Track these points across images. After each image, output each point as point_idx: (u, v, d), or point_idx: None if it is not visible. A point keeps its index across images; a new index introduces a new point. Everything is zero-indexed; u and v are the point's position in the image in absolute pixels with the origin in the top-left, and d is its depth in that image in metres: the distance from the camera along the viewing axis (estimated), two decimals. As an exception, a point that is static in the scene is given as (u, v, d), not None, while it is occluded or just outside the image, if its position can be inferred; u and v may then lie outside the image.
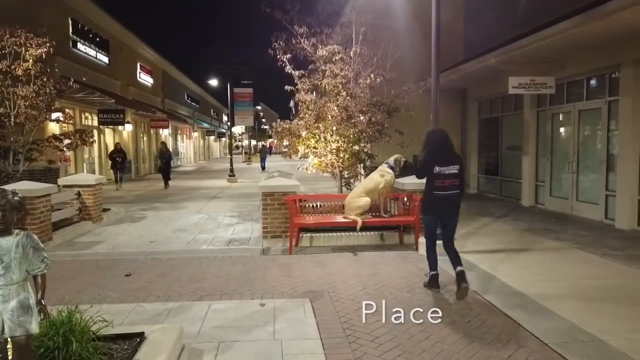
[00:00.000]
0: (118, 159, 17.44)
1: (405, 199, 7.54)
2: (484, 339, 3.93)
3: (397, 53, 8.96)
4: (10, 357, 2.62)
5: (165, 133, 30.01)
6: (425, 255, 5.30)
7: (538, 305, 4.66)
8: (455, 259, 5.00)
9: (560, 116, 10.87)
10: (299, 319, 4.39)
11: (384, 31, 9.68)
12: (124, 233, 8.88)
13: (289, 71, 8.88)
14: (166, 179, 17.98)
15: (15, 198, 2.55)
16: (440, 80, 7.30)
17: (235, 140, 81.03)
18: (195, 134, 43.72)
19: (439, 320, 4.32)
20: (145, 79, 26.11)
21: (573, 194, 10.19)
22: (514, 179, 12.64)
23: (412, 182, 7.50)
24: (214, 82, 31.17)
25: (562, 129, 10.91)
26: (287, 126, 9.12)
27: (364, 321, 4.30)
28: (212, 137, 53.50)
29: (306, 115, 8.98)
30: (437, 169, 4.94)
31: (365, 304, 4.42)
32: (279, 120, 9.58)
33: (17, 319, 2.47)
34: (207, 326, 4.23)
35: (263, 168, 28.39)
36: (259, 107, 76.18)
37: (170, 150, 29.71)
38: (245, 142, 64.17)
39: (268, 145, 46.40)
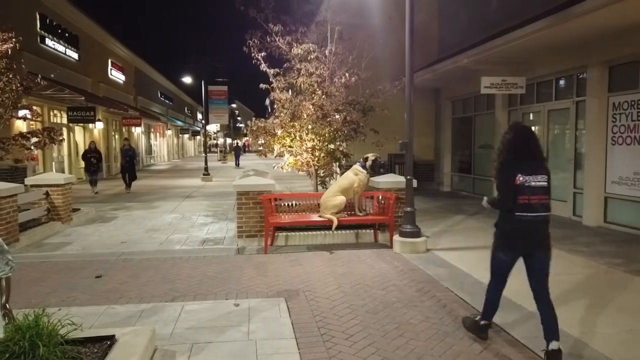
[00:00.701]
0: (93, 160, 15.25)
1: (380, 197, 7.59)
2: (456, 335, 3.99)
3: (372, 52, 9.01)
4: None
5: (137, 131, 29.47)
6: (485, 296, 3.87)
7: (509, 301, 4.74)
8: (551, 326, 3.48)
9: (531, 115, 11.12)
10: (274, 319, 4.37)
11: (360, 30, 9.74)
12: (94, 234, 8.68)
13: (264, 69, 8.83)
14: (131, 179, 16.04)
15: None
16: (414, 79, 7.37)
17: (210, 139, 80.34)
18: (169, 132, 43.08)
19: (413, 317, 4.37)
20: (117, 76, 25.57)
21: (543, 192, 10.43)
22: (487, 177, 12.86)
23: (387, 180, 7.56)
24: (188, 80, 30.78)
25: (532, 128, 11.13)
26: (263, 125, 9.07)
27: (338, 320, 4.32)
28: (186, 136, 52.84)
29: (281, 114, 8.95)
30: (520, 178, 3.43)
31: (341, 303, 4.44)
32: (254, 118, 9.51)
33: (-21, 324, 2.38)
34: (181, 327, 4.17)
35: (237, 165, 30.84)
36: (234, 105, 75.58)
37: (140, 147, 29.35)
38: (220, 141, 63.60)
39: (243, 144, 46.35)
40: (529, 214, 3.44)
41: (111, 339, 3.43)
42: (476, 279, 5.50)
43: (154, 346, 3.68)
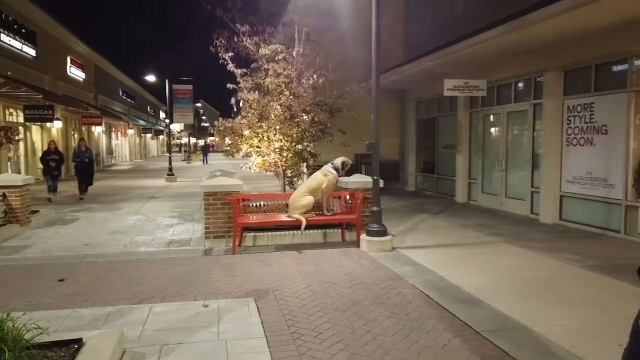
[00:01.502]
0: (52, 164, 13.08)
1: (348, 197, 7.71)
2: (422, 329, 4.13)
3: (340, 54, 9.11)
4: None
5: (98, 130, 28.64)
6: None
7: (471, 297, 4.95)
8: None
9: (491, 117, 11.51)
10: (244, 319, 4.40)
11: (327, 32, 9.83)
12: (55, 236, 8.43)
13: (232, 70, 8.79)
14: (87, 184, 13.96)
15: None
16: (380, 81, 7.52)
17: (174, 138, 78.86)
18: (131, 132, 42.03)
19: (380, 314, 4.49)
20: (77, 74, 24.77)
21: (502, 191, 10.85)
22: (449, 177, 13.23)
23: (355, 180, 7.68)
24: (152, 79, 30.15)
25: (492, 130, 11.56)
26: (230, 125, 9.03)
27: (308, 318, 4.39)
28: (149, 135, 51.67)
29: (249, 114, 8.94)
30: None
31: (310, 302, 4.51)
32: (221, 119, 9.45)
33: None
34: (149, 329, 4.13)
35: (205, 162, 35.19)
36: (199, 105, 74.49)
37: (100, 147, 28.66)
38: (184, 140, 62.57)
39: (208, 144, 47.03)
40: None
41: (78, 342, 3.38)
42: (440, 276, 5.68)
43: (122, 349, 3.65)
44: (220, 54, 8.80)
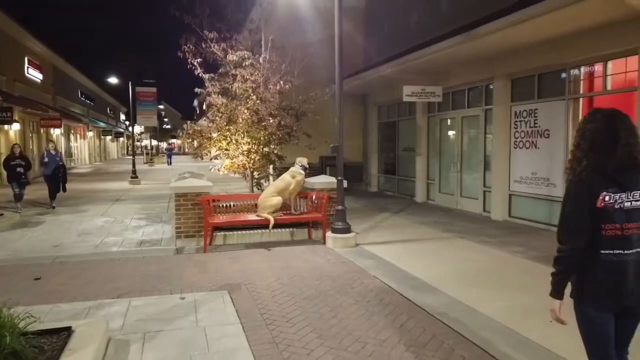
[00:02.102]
0: (20, 170, 11.47)
1: (314, 197, 8.14)
2: (381, 313, 4.60)
3: (305, 60, 9.53)
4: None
5: (57, 132, 27.96)
6: None
7: (427, 285, 5.48)
8: None
9: (447, 121, 12.22)
10: (219, 309, 4.75)
11: (292, 38, 10.23)
12: (22, 238, 8.45)
13: (200, 75, 9.06)
14: (57, 191, 12.55)
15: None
16: (343, 86, 7.99)
17: (134, 141, 77.21)
18: (91, 134, 41.07)
19: (345, 302, 4.94)
20: (35, 75, 24.17)
21: (458, 191, 11.56)
22: (409, 178, 13.89)
23: (320, 181, 8.13)
24: (112, 80, 29.68)
25: (448, 133, 12.27)
26: (199, 128, 9.30)
27: (279, 307, 4.78)
28: (108, 137, 50.52)
29: (217, 118, 9.25)
30: (606, 197, 2.26)
31: (280, 293, 4.90)
32: (189, 122, 9.71)
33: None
34: (130, 320, 4.43)
35: (169, 164, 36.53)
36: (161, 107, 73.27)
37: (59, 150, 27.88)
38: (145, 142, 61.46)
39: (171, 146, 46.93)
40: (624, 252, 2.26)
41: (68, 330, 3.66)
42: (399, 268, 6.19)
43: (108, 337, 3.93)
44: (189, 60, 9.06)
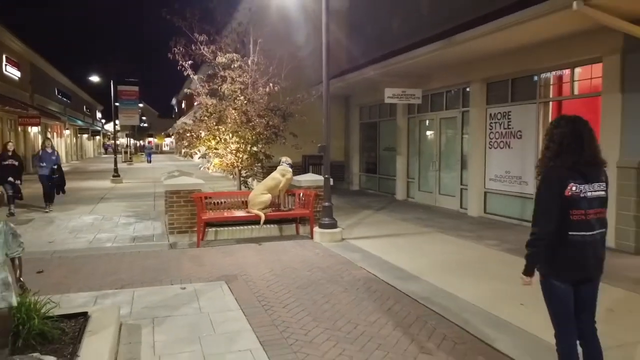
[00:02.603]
0: (11, 170, 10.62)
1: (302, 194, 8.53)
2: (370, 299, 5.03)
3: (292, 63, 9.91)
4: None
5: (34, 131, 27.65)
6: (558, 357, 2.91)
7: (410, 274, 5.93)
8: None
9: (427, 122, 12.76)
10: (219, 297, 5.10)
11: (279, 41, 10.60)
12: (14, 235, 8.59)
13: (191, 77, 9.35)
14: (54, 192, 11.86)
15: (-3, 192, 2.95)
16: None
17: (109, 139, 76.10)
18: (67, 132, 40.50)
19: (335, 289, 5.35)
20: (12, 72, 23.91)
21: (436, 189, 12.10)
22: (390, 177, 14.40)
23: (307, 179, 8.52)
24: (91, 78, 29.46)
25: (427, 134, 12.80)
26: (190, 128, 9.58)
27: (274, 295, 5.16)
28: (85, 136, 49.84)
29: (205, 117, 9.56)
30: (573, 187, 2.73)
31: (274, 282, 5.27)
32: (178, 122, 9.99)
33: (1, 294, 2.90)
34: (137, 307, 4.75)
35: (149, 162, 38.23)
36: (140, 105, 72.53)
37: (38, 149, 27.69)
38: (121, 141, 60.75)
39: (149, 144, 48.47)
40: (586, 234, 2.75)
41: (84, 315, 3.97)
42: (384, 260, 6.64)
43: (120, 322, 4.25)
44: (179, 61, 9.34)
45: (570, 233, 2.75)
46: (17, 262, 3.13)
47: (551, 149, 2.84)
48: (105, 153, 61.72)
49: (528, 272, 2.85)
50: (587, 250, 2.77)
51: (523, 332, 4.09)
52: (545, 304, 2.91)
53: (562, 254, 2.78)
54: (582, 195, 2.74)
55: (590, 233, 2.77)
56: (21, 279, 3.09)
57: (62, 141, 38.31)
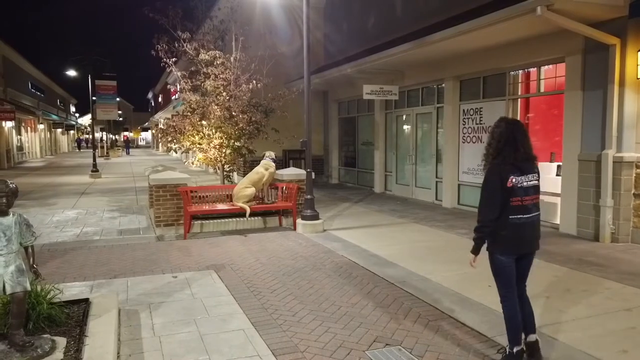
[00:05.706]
0: None
1: (284, 187, 8.87)
2: (351, 284, 5.43)
3: (273, 60, 10.20)
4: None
5: (8, 125, 27.17)
6: (505, 319, 3.49)
7: (387, 261, 6.36)
8: (530, 321, 3.52)
9: (403, 117, 13.22)
10: (210, 284, 5.43)
11: (260, 39, 10.87)
12: None
13: (175, 73, 9.57)
14: None
15: (13, 185, 3.24)
16: (305, 83, 8.72)
17: (83, 134, 74.72)
18: (41, 127, 39.80)
19: (319, 276, 5.73)
20: (-15, 65, 23.45)
21: (413, 181, 12.60)
22: (368, 170, 14.85)
23: (290, 173, 8.87)
24: (66, 72, 29.04)
25: (404, 128, 13.27)
26: (174, 124, 9.80)
27: (262, 281, 5.52)
28: (59, 130, 48.97)
29: (188, 113, 9.79)
30: (513, 179, 3.27)
31: (261, 270, 5.62)
32: (166, 117, 10.20)
33: (16, 279, 3.18)
34: (133, 294, 5.04)
35: (128, 153, 44.09)
36: (117, 99, 71.37)
37: (11, 144, 27.26)
38: (97, 135, 59.84)
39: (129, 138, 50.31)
40: (524, 216, 3.31)
41: (86, 301, 4.26)
42: (363, 248, 7.06)
43: (119, 307, 4.54)
44: (162, 57, 9.54)
45: (510, 217, 3.31)
46: (30, 250, 3.41)
47: (492, 145, 3.41)
48: (79, 149, 60.68)
49: (475, 252, 3.47)
50: (526, 230, 3.36)
51: (489, 309, 4.55)
52: (493, 275, 3.52)
53: (505, 234, 3.33)
54: (519, 185, 3.30)
55: (527, 216, 3.34)
56: (34, 265, 3.36)
57: (36, 136, 37.67)
